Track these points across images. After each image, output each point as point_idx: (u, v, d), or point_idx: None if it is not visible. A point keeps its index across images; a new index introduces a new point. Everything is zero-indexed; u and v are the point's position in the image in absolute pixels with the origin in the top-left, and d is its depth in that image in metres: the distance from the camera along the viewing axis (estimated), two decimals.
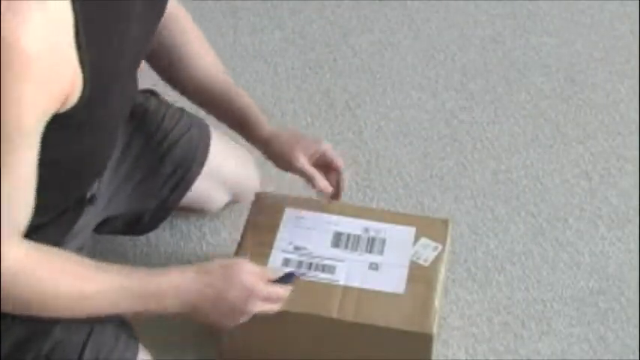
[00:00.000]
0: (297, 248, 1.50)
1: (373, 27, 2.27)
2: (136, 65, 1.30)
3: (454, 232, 1.78)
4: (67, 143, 1.15)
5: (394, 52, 2.20)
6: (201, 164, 1.65)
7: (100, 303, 1.20)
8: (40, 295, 1.16)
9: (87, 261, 1.21)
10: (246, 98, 1.51)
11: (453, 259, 1.73)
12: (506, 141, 1.98)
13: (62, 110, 1.08)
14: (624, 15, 2.30)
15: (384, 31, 2.26)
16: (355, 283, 1.45)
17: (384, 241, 1.51)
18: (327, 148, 1.52)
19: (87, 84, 1.08)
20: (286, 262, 1.47)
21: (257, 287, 1.29)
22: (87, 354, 1.27)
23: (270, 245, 1.50)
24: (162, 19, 1.40)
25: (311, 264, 1.47)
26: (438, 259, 1.49)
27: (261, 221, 1.54)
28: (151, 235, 1.75)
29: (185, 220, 1.78)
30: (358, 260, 1.49)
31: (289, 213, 1.55)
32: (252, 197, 1.64)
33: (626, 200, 1.85)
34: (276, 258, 1.48)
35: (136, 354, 1.34)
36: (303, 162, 1.48)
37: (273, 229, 1.52)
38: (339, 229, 1.53)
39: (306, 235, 1.51)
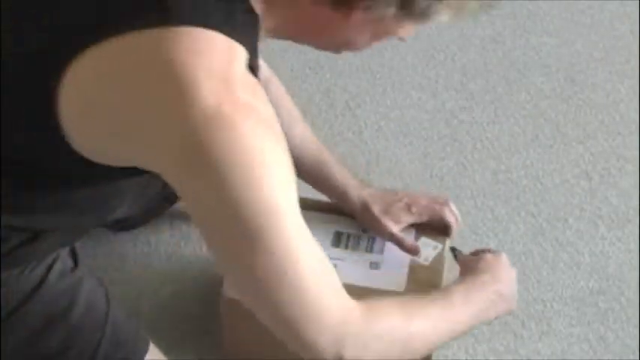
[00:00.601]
0: None
1: None
2: None
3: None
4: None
5: (394, 52, 2.20)
6: None
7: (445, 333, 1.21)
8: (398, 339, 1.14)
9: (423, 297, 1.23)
10: (335, 167, 1.50)
11: (454, 259, 1.73)
12: (506, 141, 1.98)
13: None
14: (624, 15, 2.30)
15: None
16: (356, 282, 1.45)
17: (384, 241, 1.51)
18: (416, 216, 1.51)
19: None
20: None
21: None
22: (106, 339, 1.29)
23: None
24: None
25: None
26: (438, 259, 1.49)
27: None
28: (151, 235, 1.75)
29: (185, 221, 1.78)
30: (359, 259, 1.49)
31: None
32: None
33: (626, 200, 1.85)
34: None
35: (148, 342, 1.35)
36: (392, 230, 1.48)
37: None
38: (340, 228, 1.53)
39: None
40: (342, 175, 1.50)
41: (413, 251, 1.48)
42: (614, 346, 1.61)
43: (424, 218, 1.51)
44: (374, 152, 1.95)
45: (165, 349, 1.46)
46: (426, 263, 1.49)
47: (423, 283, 1.45)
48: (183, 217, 1.77)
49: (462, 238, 1.78)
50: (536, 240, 1.78)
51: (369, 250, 1.50)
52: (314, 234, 1.50)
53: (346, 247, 1.50)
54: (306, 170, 1.49)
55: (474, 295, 1.26)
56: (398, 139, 1.98)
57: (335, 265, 1.45)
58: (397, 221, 1.49)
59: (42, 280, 1.25)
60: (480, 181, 1.90)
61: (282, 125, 1.47)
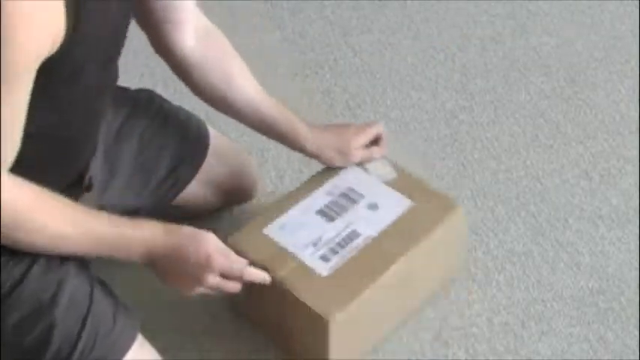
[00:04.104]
0: (313, 244, 1.50)
1: (373, 27, 2.27)
2: (113, 49, 1.30)
3: None
4: (46, 116, 1.20)
5: (394, 52, 2.20)
6: (199, 164, 1.65)
7: (75, 245, 1.27)
8: (26, 228, 1.21)
9: (68, 201, 1.26)
10: (287, 114, 1.59)
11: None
12: (506, 141, 1.98)
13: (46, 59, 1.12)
14: (624, 15, 2.30)
15: (384, 31, 2.26)
16: (374, 230, 1.52)
17: (358, 190, 1.59)
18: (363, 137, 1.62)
19: (67, 35, 1.12)
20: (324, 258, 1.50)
21: (216, 260, 1.34)
22: (85, 334, 1.30)
23: (286, 255, 1.50)
24: (205, 34, 1.51)
25: (336, 246, 1.50)
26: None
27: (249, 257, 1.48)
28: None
29: (184, 221, 1.77)
30: (357, 212, 1.55)
31: (272, 228, 1.54)
32: (249, 199, 1.70)
33: (626, 200, 1.86)
34: (307, 259, 1.49)
35: (133, 338, 1.35)
36: (358, 157, 1.62)
37: (274, 247, 1.51)
38: (318, 206, 1.56)
39: (301, 234, 1.52)
40: (294, 125, 1.60)
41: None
42: (614, 346, 1.61)
43: (369, 136, 1.64)
44: None
45: (165, 349, 1.46)
46: (394, 175, 1.61)
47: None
48: (184, 214, 1.77)
49: None
50: (536, 240, 1.78)
51: (356, 201, 1.57)
52: (305, 228, 1.52)
53: (339, 213, 1.55)
54: (260, 121, 1.56)
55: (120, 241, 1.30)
56: (398, 139, 1.98)
57: (354, 229, 1.52)
58: (357, 146, 1.62)
59: (27, 270, 1.28)
60: (480, 181, 1.90)
61: (235, 77, 1.54)
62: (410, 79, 2.13)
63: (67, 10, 1.10)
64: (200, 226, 1.78)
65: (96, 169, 1.45)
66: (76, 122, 1.29)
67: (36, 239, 1.24)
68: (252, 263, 1.42)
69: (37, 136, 1.19)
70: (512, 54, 2.19)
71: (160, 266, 1.34)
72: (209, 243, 1.34)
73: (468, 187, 1.88)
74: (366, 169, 1.63)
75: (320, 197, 1.58)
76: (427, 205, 1.58)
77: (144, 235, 1.31)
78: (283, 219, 1.54)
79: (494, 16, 2.30)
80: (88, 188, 1.42)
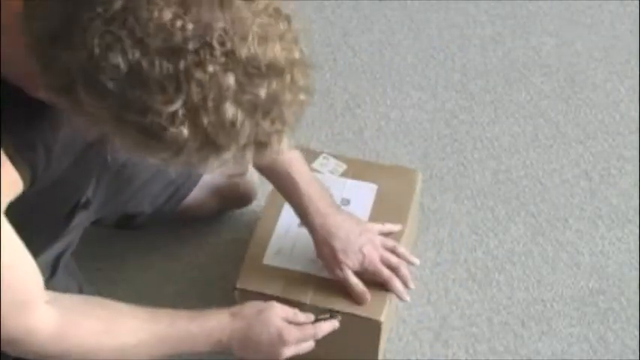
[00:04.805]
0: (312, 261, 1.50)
1: (373, 27, 2.27)
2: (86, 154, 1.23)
3: (454, 232, 1.79)
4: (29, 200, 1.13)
5: (394, 52, 2.20)
6: (199, 176, 1.65)
7: (137, 352, 1.23)
8: (81, 355, 1.18)
9: (118, 308, 1.22)
10: (304, 184, 1.43)
11: (453, 259, 1.73)
12: (506, 141, 1.98)
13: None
14: (624, 15, 2.30)
15: (384, 31, 2.26)
16: None
17: None
18: (371, 263, 1.44)
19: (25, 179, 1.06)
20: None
21: (288, 333, 1.32)
22: None
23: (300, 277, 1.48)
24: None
25: None
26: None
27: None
28: (151, 235, 1.75)
29: (185, 222, 1.78)
30: None
31: (269, 257, 1.52)
32: (249, 203, 1.72)
33: (626, 200, 1.85)
34: (321, 273, 1.48)
35: None
36: (347, 274, 1.43)
37: (285, 275, 1.49)
38: (297, 219, 1.51)
39: (300, 251, 1.51)
40: (309, 197, 1.43)
41: (360, 299, 1.44)
42: (614, 346, 1.61)
43: (369, 273, 1.45)
44: (374, 152, 1.95)
45: None
46: (344, 167, 1.61)
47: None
48: (183, 217, 1.77)
49: (462, 238, 1.78)
50: (536, 240, 1.78)
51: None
52: (297, 245, 1.50)
53: None
54: (275, 181, 1.46)
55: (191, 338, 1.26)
56: (398, 139, 1.98)
57: None
58: (350, 265, 1.43)
59: None
60: (480, 181, 1.90)
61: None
62: (410, 79, 2.13)
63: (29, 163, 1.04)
64: (200, 229, 1.79)
65: (92, 192, 1.40)
66: (67, 177, 1.22)
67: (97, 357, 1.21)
68: (277, 299, 1.39)
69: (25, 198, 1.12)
70: (512, 54, 2.19)
71: (236, 349, 1.31)
72: (275, 316, 1.33)
73: (468, 187, 1.88)
74: (316, 170, 1.60)
75: (291, 210, 1.54)
76: (392, 182, 1.60)
77: (209, 326, 1.28)
78: (274, 244, 1.51)
79: (494, 16, 2.29)
80: (85, 205, 1.38)
